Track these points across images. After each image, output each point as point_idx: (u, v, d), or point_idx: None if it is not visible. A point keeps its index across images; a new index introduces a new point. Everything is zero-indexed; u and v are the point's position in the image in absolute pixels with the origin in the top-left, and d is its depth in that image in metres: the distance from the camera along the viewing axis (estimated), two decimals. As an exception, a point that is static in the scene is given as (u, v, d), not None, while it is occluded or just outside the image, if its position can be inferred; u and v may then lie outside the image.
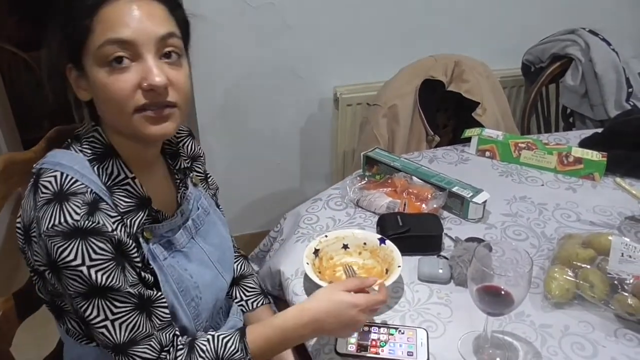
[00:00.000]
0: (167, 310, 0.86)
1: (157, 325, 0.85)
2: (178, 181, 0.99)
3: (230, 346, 0.86)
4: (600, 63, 1.93)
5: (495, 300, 0.84)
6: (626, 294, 0.96)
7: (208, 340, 0.87)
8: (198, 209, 1.00)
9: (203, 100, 2.04)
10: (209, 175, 1.13)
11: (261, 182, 2.32)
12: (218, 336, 0.88)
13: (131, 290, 0.80)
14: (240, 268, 1.17)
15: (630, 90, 1.98)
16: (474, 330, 0.95)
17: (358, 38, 2.10)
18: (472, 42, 2.18)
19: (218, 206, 1.13)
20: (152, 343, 0.83)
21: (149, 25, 0.79)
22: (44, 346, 1.14)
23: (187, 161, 1.02)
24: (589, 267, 1.02)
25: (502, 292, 0.83)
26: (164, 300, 0.86)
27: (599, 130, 1.62)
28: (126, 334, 0.81)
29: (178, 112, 0.84)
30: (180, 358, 0.85)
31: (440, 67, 1.83)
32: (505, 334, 0.95)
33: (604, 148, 1.46)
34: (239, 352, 0.86)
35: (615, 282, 0.98)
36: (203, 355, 0.85)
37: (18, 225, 0.82)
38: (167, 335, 0.86)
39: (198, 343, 0.87)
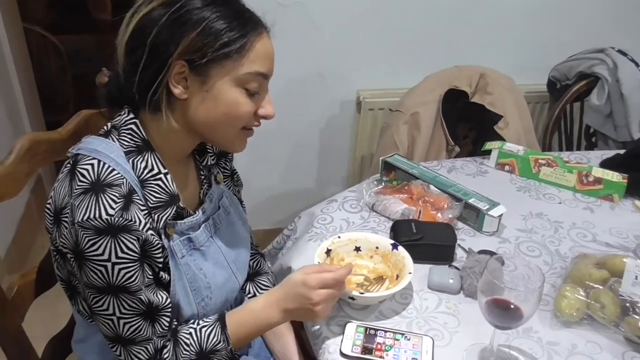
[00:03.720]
0: (169, 320, 0.89)
1: (158, 333, 0.87)
2: (202, 177, 1.00)
3: (213, 337, 0.90)
4: (627, 84, 1.91)
5: (504, 313, 0.84)
6: (637, 317, 0.95)
7: (190, 333, 0.90)
8: (219, 207, 1.01)
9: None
10: (235, 172, 1.13)
11: (278, 179, 2.33)
12: (200, 328, 0.91)
13: (142, 297, 0.82)
14: (256, 265, 1.18)
15: (655, 113, 1.95)
16: (480, 342, 0.95)
17: (385, 43, 2.10)
18: (498, 55, 2.17)
19: (241, 202, 1.13)
20: (149, 347, 0.86)
21: None
22: (53, 325, 1.15)
23: (212, 158, 1.03)
24: (601, 287, 1.01)
25: (512, 306, 0.83)
26: (169, 309, 0.88)
27: (621, 151, 1.61)
28: (128, 333, 0.84)
29: None
30: (166, 355, 0.88)
31: (464, 77, 1.83)
32: (511, 349, 0.95)
33: (624, 170, 1.44)
34: (221, 343, 0.90)
35: (627, 304, 0.97)
36: (187, 349, 0.89)
37: (48, 205, 0.83)
38: (162, 341, 0.88)
39: (181, 336, 0.90)
